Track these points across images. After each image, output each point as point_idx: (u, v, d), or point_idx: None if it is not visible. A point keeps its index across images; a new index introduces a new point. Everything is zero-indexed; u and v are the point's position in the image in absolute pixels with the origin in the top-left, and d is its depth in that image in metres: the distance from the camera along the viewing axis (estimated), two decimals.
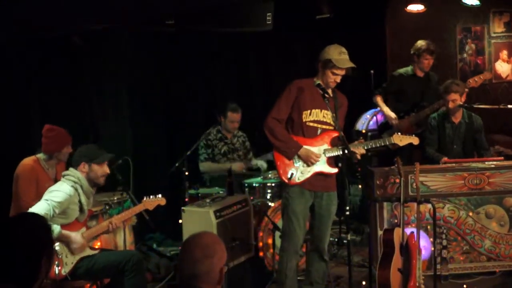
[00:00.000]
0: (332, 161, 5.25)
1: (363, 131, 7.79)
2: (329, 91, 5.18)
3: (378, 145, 5.32)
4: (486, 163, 6.17)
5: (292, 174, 5.10)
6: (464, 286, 5.87)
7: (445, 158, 6.34)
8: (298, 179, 5.14)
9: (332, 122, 5.19)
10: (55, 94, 6.70)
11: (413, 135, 5.51)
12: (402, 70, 7.33)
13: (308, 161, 5.11)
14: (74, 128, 6.64)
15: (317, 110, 5.16)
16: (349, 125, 7.82)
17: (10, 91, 6.32)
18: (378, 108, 7.37)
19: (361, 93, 7.91)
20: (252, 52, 8.36)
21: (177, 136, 7.78)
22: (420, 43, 7.11)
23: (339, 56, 5.09)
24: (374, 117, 7.55)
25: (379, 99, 7.23)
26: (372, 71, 7.56)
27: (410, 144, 7.10)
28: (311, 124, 5.18)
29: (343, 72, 5.10)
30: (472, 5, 7.84)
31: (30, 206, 5.26)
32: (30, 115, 5.97)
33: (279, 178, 5.31)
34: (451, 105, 6.41)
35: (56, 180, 5.68)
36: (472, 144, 6.63)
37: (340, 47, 5.15)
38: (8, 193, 5.53)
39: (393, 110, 7.09)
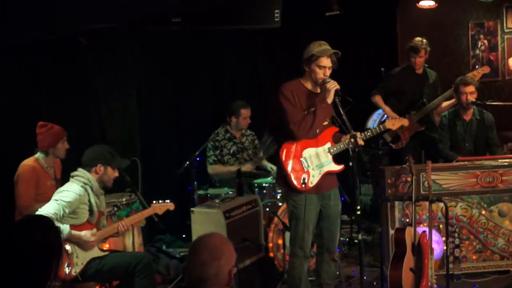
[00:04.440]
0: (337, 158, 5.18)
1: None
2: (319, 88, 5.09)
3: (374, 133, 5.29)
4: (499, 160, 6.09)
5: (304, 179, 5.02)
6: (476, 286, 5.81)
7: (460, 158, 6.25)
8: (311, 183, 5.06)
9: (328, 118, 5.15)
10: (62, 96, 6.70)
11: (405, 118, 5.70)
12: (400, 68, 7.25)
13: (329, 89, 4.95)
14: (82, 129, 6.69)
15: (312, 109, 5.05)
16: (360, 123, 7.76)
17: (18, 93, 6.33)
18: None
19: (371, 91, 7.84)
20: (262, 50, 8.31)
21: (186, 136, 7.75)
22: (412, 41, 7.02)
23: (319, 47, 4.98)
24: (385, 116, 7.46)
25: (378, 99, 7.09)
26: (382, 69, 7.49)
27: (421, 143, 7.10)
28: None
29: (329, 64, 4.98)
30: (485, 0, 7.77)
31: (31, 206, 5.36)
32: (38, 118, 5.94)
33: (290, 186, 5.14)
34: (468, 97, 6.31)
35: (55, 179, 5.71)
36: (484, 142, 6.55)
37: (319, 41, 5.05)
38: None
39: (393, 109, 6.98)
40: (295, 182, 5.05)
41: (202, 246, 2.88)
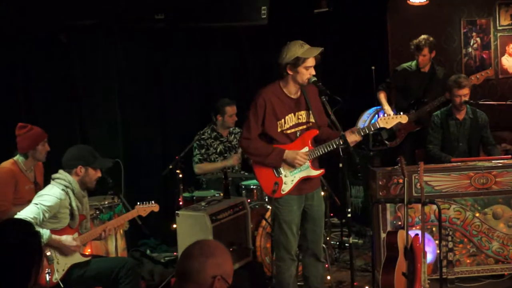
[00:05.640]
0: (316, 163, 5.09)
1: None
2: (299, 91, 5.01)
3: (367, 131, 5.10)
4: (493, 161, 6.04)
5: (276, 187, 4.93)
6: None
7: (453, 159, 6.22)
8: (283, 190, 4.99)
9: (310, 119, 5.04)
10: (43, 94, 6.63)
11: (401, 114, 5.24)
12: (406, 65, 7.28)
13: (295, 163, 4.93)
14: (62, 129, 6.66)
15: (290, 115, 4.99)
16: (351, 123, 7.67)
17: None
18: (380, 106, 7.25)
19: (363, 90, 7.81)
20: (249, 47, 8.24)
21: (171, 136, 7.66)
22: (418, 39, 7.01)
23: (302, 48, 4.89)
24: (376, 115, 7.40)
25: (382, 96, 7.14)
26: (373, 67, 7.47)
27: (414, 143, 7.03)
28: (289, 131, 5.01)
29: (314, 62, 4.93)
30: None
31: (8, 210, 5.32)
32: (17, 117, 5.86)
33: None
34: (461, 100, 6.31)
35: (36, 183, 5.65)
36: (477, 141, 6.54)
37: (297, 41, 4.96)
38: None
39: (396, 106, 6.92)
40: (265, 189, 5.05)
41: (197, 244, 2.83)
